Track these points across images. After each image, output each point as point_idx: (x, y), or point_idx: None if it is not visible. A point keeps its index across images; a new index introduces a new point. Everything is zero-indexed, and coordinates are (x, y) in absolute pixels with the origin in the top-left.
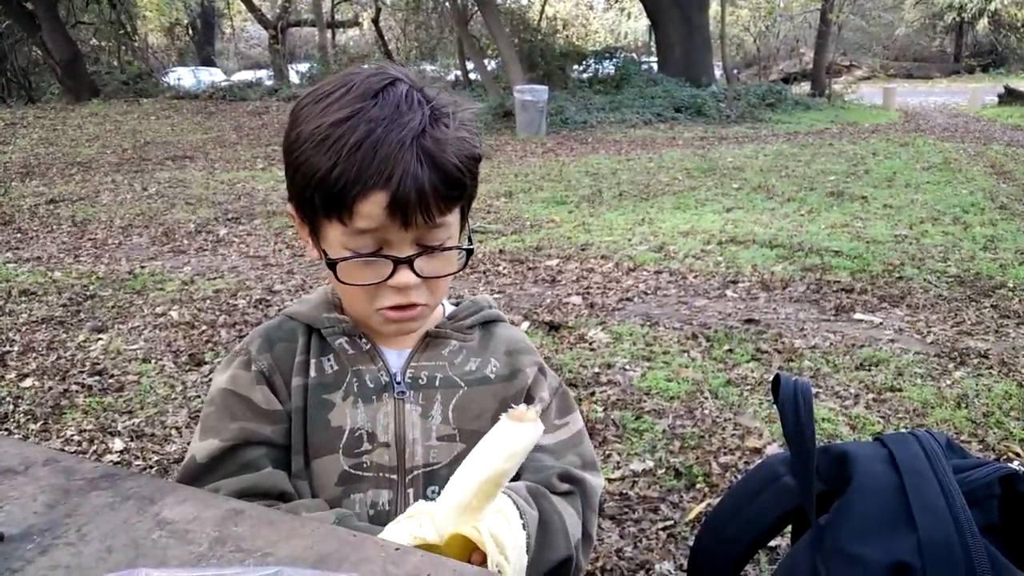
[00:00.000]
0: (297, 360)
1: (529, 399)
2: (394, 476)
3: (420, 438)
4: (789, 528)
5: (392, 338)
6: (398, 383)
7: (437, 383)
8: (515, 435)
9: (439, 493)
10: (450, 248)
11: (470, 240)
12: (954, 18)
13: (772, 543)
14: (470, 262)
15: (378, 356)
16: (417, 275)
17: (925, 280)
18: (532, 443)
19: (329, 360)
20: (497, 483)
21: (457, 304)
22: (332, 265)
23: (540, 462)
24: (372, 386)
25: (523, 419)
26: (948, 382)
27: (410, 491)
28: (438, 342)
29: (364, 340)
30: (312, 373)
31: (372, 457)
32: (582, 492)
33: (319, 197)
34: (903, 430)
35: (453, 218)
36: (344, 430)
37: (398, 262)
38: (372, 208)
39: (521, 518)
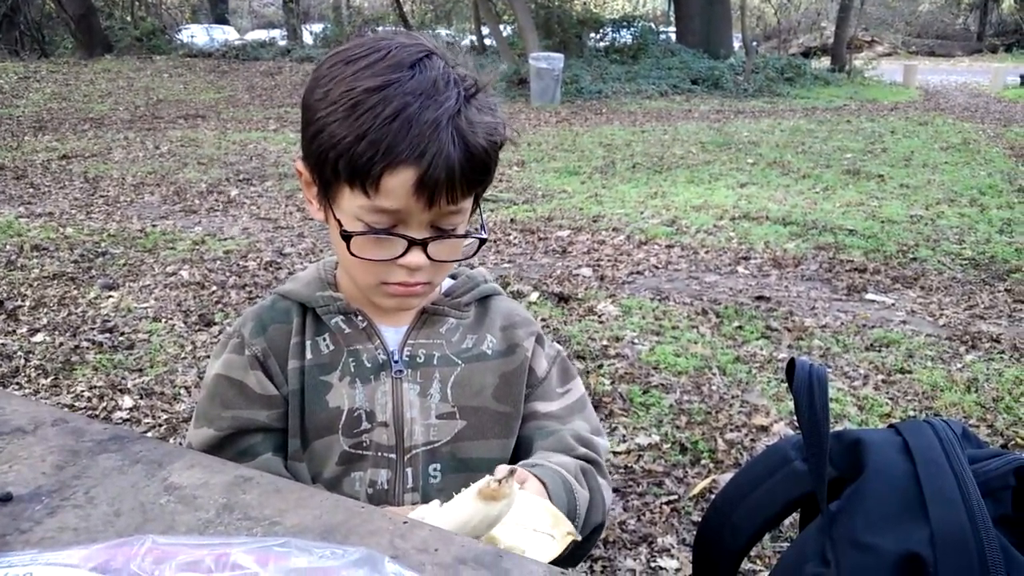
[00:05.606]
0: (292, 342)
1: (531, 372)
2: (392, 455)
3: (419, 417)
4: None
5: (389, 315)
6: (395, 362)
7: (435, 362)
8: (492, 510)
9: (441, 471)
10: (464, 236)
11: (483, 228)
12: None
13: None
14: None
15: (375, 334)
16: (429, 257)
17: (939, 262)
18: (508, 510)
19: (325, 340)
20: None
21: (455, 278)
22: (347, 237)
23: (547, 428)
24: (369, 365)
25: (496, 497)
26: (959, 365)
27: (408, 470)
28: (435, 319)
29: (360, 318)
30: (308, 355)
31: (371, 436)
32: (598, 458)
33: (344, 164)
34: (912, 413)
35: (469, 204)
36: (343, 410)
37: (413, 243)
38: (399, 184)
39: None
